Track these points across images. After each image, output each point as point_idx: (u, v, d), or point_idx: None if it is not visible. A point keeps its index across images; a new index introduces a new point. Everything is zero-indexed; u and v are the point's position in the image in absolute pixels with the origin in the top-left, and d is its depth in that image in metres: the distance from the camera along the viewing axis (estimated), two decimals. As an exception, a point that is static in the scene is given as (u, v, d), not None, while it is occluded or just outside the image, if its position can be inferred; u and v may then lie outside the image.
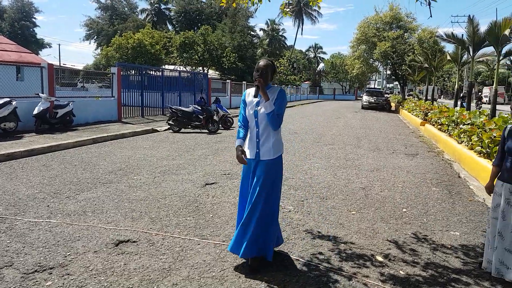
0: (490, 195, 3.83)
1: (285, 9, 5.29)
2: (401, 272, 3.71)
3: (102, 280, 3.36)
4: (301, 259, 3.88)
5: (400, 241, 4.46)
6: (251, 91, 3.70)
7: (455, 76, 58.44)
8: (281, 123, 3.62)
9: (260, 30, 68.04)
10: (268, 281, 3.47)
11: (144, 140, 11.62)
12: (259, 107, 3.58)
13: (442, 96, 64.71)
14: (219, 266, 3.69)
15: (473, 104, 32.04)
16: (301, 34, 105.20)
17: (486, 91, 49.72)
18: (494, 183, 3.74)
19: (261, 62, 3.63)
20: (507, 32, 13.16)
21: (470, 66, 18.88)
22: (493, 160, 3.87)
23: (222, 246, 4.11)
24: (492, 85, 50.77)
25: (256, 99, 3.63)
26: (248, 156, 3.64)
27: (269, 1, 4.79)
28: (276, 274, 3.58)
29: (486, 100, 46.74)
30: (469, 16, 16.26)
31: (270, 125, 3.57)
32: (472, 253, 4.19)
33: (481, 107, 25.74)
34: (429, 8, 4.76)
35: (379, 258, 3.99)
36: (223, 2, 5.04)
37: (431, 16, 5.13)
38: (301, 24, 68.81)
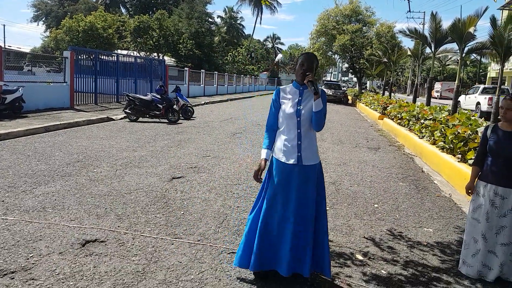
0: (469, 196, 3.82)
1: (264, -3, 5.10)
2: (383, 271, 3.65)
3: (72, 286, 3.07)
4: (281, 259, 3.73)
5: (376, 238, 4.42)
6: (286, 88, 3.33)
7: (408, 70, 60.39)
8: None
9: (218, 18, 67.16)
10: (249, 282, 3.31)
11: (100, 129, 11.08)
12: (301, 106, 3.18)
13: (395, 90, 66.71)
14: (197, 268, 3.48)
15: (423, 98, 33.31)
16: (260, 23, 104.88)
17: (437, 86, 51.52)
18: (475, 183, 3.72)
19: (308, 56, 3.23)
20: (471, 29, 13.54)
21: (431, 61, 19.40)
22: (473, 159, 3.86)
23: (198, 246, 3.90)
24: (444, 80, 52.72)
25: (297, 97, 3.23)
26: (284, 160, 3.19)
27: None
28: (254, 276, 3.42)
29: (438, 95, 48.40)
30: (432, 12, 16.65)
31: (316, 125, 3.17)
32: (448, 251, 4.22)
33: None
34: (408, 2, 4.71)
35: (359, 257, 3.92)
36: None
37: (409, 11, 5.14)
38: (260, 13, 68.58)
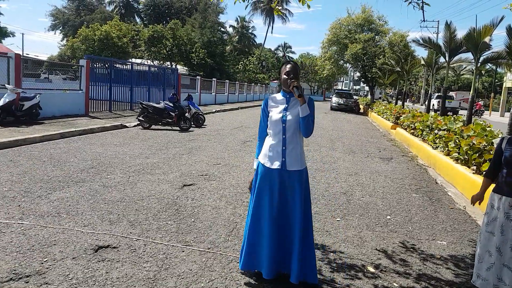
0: (473, 205, 3.83)
1: (276, 7, 5.13)
2: (395, 284, 3.62)
3: (83, 292, 3.11)
4: (292, 269, 3.72)
5: (389, 250, 4.39)
6: (276, 96, 3.46)
7: (421, 80, 59.92)
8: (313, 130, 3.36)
9: (230, 27, 67.58)
10: (261, 293, 3.31)
11: (113, 136, 11.19)
12: (287, 112, 3.30)
13: (407, 99, 66.27)
14: (207, 276, 3.49)
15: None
16: (271, 32, 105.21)
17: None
18: (489, 195, 3.68)
19: (289, 65, 3.37)
20: (487, 39, 13.38)
21: (446, 71, 19.25)
22: (485, 171, 3.82)
23: (208, 254, 3.92)
24: (458, 90, 52.25)
25: (284, 105, 3.36)
26: (268, 165, 3.34)
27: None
28: (268, 286, 3.42)
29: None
30: (446, 21, 16.53)
31: (304, 130, 3.26)
32: (462, 264, 4.17)
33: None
34: (423, 12, 4.71)
35: (371, 269, 3.89)
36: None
37: (423, 20, 5.11)
38: (271, 23, 68.82)
